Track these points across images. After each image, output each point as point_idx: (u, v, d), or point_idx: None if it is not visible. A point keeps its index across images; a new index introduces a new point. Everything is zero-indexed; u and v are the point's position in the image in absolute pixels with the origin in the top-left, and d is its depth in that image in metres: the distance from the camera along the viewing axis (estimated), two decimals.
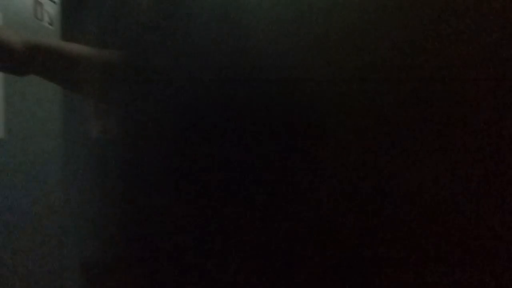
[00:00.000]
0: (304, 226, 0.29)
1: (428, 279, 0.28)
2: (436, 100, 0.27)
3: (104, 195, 0.37)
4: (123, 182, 0.35)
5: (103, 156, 0.40)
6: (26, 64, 0.66)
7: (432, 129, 0.28)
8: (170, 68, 0.33)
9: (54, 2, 1.84)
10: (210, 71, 0.31)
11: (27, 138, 1.66)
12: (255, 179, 0.30)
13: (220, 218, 0.30)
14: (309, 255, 0.29)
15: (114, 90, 0.36)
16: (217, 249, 0.30)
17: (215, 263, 0.31)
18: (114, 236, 0.36)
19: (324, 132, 0.29)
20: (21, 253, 1.60)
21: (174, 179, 0.32)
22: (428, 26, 0.28)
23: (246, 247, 0.30)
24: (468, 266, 0.27)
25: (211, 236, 0.30)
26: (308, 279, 0.30)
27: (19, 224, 1.59)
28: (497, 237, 0.27)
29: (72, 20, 1.86)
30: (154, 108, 0.34)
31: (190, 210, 0.31)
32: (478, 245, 0.27)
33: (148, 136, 0.34)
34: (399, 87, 0.28)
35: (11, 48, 0.64)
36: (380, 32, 0.27)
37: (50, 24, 1.81)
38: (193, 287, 0.32)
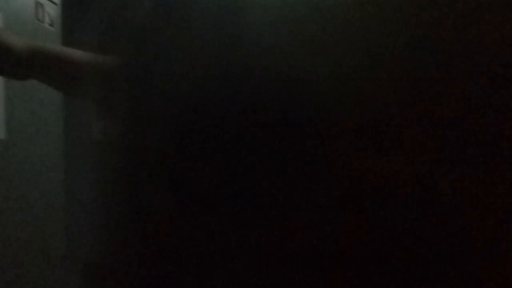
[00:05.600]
0: (304, 226, 0.30)
1: (428, 279, 0.28)
2: (437, 100, 0.28)
3: (105, 196, 0.38)
4: (123, 182, 0.36)
5: (103, 157, 0.40)
6: (26, 68, 0.66)
7: (432, 128, 0.28)
8: (171, 70, 0.33)
9: (55, 4, 1.85)
10: (211, 72, 0.32)
11: (28, 139, 1.67)
12: (256, 178, 0.30)
13: (221, 219, 0.31)
14: (309, 255, 0.30)
15: (115, 94, 0.37)
16: (219, 249, 0.31)
17: (216, 263, 0.31)
18: (115, 237, 0.37)
19: (325, 131, 0.29)
20: (21, 253, 1.60)
21: (175, 179, 0.32)
22: (428, 26, 0.28)
23: (247, 248, 0.31)
24: (469, 266, 0.27)
25: (212, 236, 0.31)
26: (307, 280, 0.30)
27: (19, 224, 1.60)
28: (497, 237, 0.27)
29: (73, 21, 1.87)
30: (154, 110, 0.34)
31: (191, 211, 0.31)
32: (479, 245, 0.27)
33: (149, 137, 0.34)
34: (399, 87, 0.28)
35: (12, 51, 0.64)
36: (381, 30, 0.28)
37: (51, 25, 1.82)
38: (194, 287, 0.32)
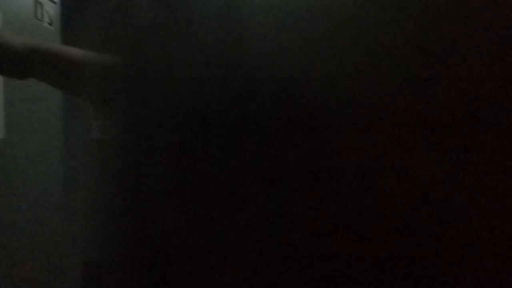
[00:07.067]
0: (304, 226, 0.30)
1: (427, 278, 0.28)
2: (436, 99, 0.27)
3: (104, 195, 0.38)
4: (123, 182, 0.36)
5: (103, 156, 0.40)
6: (26, 67, 0.66)
7: (432, 128, 0.28)
8: (171, 69, 0.33)
9: (54, 3, 1.84)
10: (211, 71, 0.31)
11: (27, 138, 1.67)
12: (256, 178, 0.30)
13: (221, 218, 0.30)
14: (309, 255, 0.30)
15: (115, 93, 0.37)
16: (218, 249, 0.31)
17: (216, 263, 0.31)
18: (115, 236, 0.37)
19: (324, 130, 0.29)
20: (21, 253, 1.60)
21: (175, 179, 0.32)
22: (428, 25, 0.28)
23: (247, 248, 0.30)
24: (468, 266, 0.27)
25: (212, 236, 0.31)
26: (307, 279, 0.30)
27: (19, 224, 1.60)
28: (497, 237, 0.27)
29: (72, 20, 1.87)
30: (154, 109, 0.34)
31: (191, 211, 0.31)
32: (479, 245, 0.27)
33: (149, 137, 0.34)
34: (399, 86, 0.28)
35: (11, 50, 0.64)
36: (380, 30, 0.27)
37: (50, 24, 1.81)
38: (194, 287, 0.32)
